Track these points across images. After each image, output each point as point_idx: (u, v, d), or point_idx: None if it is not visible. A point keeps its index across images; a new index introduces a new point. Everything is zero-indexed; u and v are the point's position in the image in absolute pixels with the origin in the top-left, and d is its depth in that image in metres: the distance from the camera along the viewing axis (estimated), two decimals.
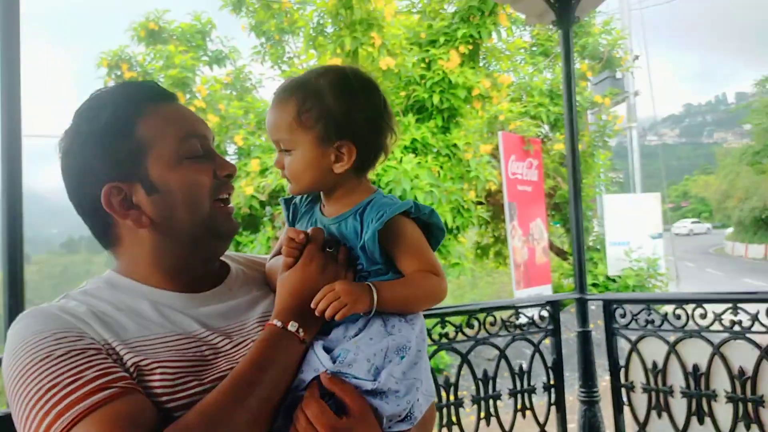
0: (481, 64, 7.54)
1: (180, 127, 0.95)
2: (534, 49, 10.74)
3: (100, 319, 0.87)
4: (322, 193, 1.06)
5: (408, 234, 0.98)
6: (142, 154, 0.92)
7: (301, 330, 0.90)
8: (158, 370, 0.83)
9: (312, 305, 0.91)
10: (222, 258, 1.07)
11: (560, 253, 10.37)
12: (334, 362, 0.90)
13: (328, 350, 0.92)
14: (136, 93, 0.96)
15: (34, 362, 0.78)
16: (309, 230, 1.00)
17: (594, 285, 9.02)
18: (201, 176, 0.95)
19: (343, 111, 0.97)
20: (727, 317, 2.45)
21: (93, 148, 0.91)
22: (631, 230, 9.28)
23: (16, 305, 1.69)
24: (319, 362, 0.90)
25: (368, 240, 0.95)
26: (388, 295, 0.93)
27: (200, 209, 0.95)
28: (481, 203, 7.35)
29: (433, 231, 1.02)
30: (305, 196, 1.09)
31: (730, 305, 2.44)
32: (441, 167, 6.66)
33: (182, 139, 0.94)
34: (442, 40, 7.05)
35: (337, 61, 6.83)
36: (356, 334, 0.93)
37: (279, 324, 0.90)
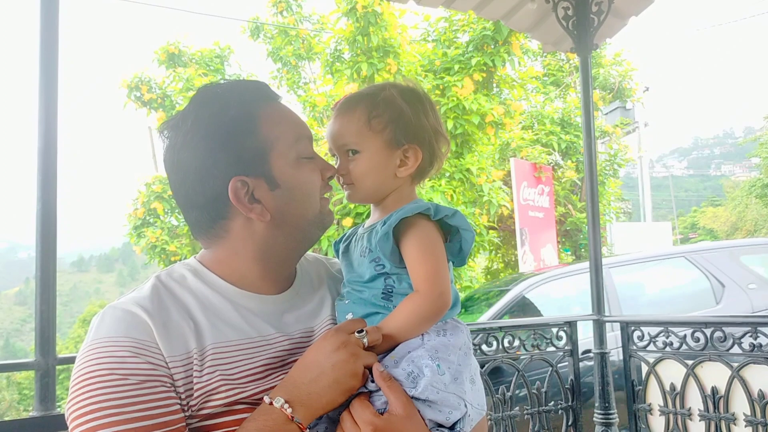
0: (494, 92, 7.68)
1: (294, 128, 1.00)
2: (545, 78, 10.93)
3: (183, 321, 0.89)
4: (372, 205, 1.07)
5: (416, 237, 0.95)
6: (266, 151, 0.95)
7: (287, 406, 0.85)
8: (223, 388, 0.86)
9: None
10: None
11: None
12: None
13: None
14: (254, 91, 0.99)
15: (95, 373, 0.81)
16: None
17: None
18: (314, 175, 1.00)
19: (411, 116, 1.01)
20: (747, 341, 2.45)
21: (219, 142, 0.93)
22: None
23: (48, 310, 1.72)
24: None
25: (378, 241, 0.94)
26: (386, 346, 0.92)
27: (313, 205, 1.01)
28: (493, 228, 7.39)
29: (462, 234, 0.99)
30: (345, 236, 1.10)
31: (749, 329, 2.45)
32: (454, 191, 6.73)
33: (297, 139, 0.99)
34: (456, 67, 7.20)
35: (354, 87, 6.99)
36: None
37: (267, 400, 0.86)
